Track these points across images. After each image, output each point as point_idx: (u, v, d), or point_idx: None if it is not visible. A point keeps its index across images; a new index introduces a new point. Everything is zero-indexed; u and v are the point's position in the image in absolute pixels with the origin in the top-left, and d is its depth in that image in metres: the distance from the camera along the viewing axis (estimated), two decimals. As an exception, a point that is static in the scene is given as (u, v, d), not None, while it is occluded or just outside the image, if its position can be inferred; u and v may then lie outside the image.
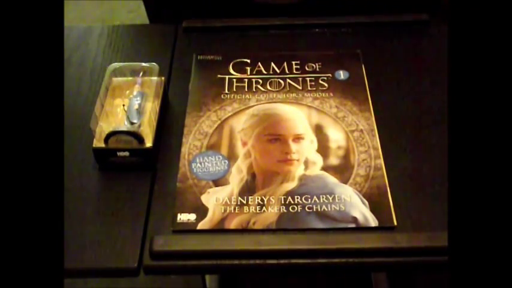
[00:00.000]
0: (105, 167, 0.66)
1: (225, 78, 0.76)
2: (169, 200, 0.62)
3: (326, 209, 0.60)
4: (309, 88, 0.74)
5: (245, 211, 0.60)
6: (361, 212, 0.60)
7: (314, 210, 0.60)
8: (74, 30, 0.87)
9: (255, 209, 0.60)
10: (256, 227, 0.59)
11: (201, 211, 0.60)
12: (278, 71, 0.77)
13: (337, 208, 0.60)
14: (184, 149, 0.67)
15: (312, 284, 1.11)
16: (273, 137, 0.68)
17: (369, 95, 0.73)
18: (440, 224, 0.58)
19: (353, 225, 0.59)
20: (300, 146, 0.67)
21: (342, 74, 0.76)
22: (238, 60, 0.79)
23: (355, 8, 0.87)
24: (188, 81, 0.76)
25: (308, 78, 0.76)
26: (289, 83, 0.75)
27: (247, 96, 0.73)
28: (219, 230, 0.59)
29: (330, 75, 0.76)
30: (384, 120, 0.70)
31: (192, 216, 0.60)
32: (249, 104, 0.72)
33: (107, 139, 0.64)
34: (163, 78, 0.72)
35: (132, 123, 0.65)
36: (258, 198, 0.61)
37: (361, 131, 0.68)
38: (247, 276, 1.08)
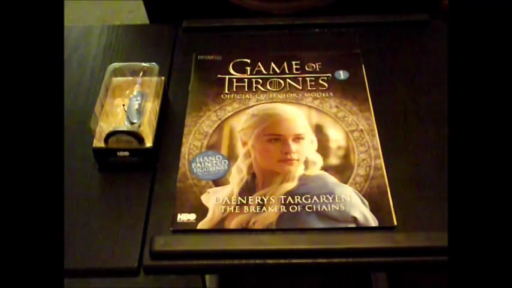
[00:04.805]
0: (105, 167, 0.66)
1: (225, 78, 0.76)
2: (169, 200, 0.62)
3: (326, 209, 0.60)
4: (309, 88, 0.74)
5: (245, 211, 0.60)
6: (361, 212, 0.60)
7: (314, 210, 0.60)
8: (74, 30, 0.87)
9: (255, 209, 0.60)
10: (256, 227, 0.59)
11: (201, 211, 0.60)
12: (278, 71, 0.77)
13: (337, 208, 0.60)
14: (184, 149, 0.67)
15: (312, 284, 1.11)
16: (273, 137, 0.68)
17: (369, 95, 0.73)
18: (440, 224, 0.58)
19: (353, 225, 0.59)
20: (300, 146, 0.67)
21: (342, 74, 0.76)
22: (238, 60, 0.79)
23: (354, 10, 0.87)
24: (188, 81, 0.76)
25: (308, 78, 0.76)
26: (289, 83, 0.75)
27: (247, 96, 0.73)
28: (219, 230, 0.59)
29: (330, 75, 0.76)
30: (384, 120, 0.70)
31: (192, 216, 0.60)
32: (249, 104, 0.72)
33: (107, 139, 0.64)
34: (163, 78, 0.72)
35: (132, 123, 0.65)
36: (258, 198, 0.61)
37: (361, 131, 0.68)
38: (247, 276, 1.08)
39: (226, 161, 0.65)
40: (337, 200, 0.61)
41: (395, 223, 0.59)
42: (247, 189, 0.62)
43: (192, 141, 0.68)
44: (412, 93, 0.74)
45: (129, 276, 0.57)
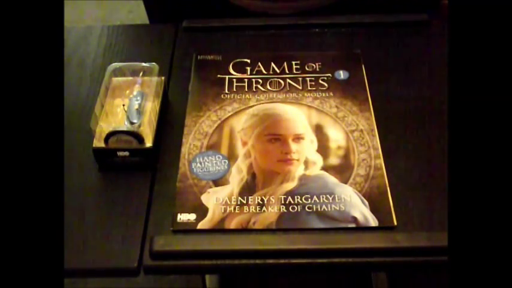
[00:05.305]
0: (105, 167, 0.66)
1: (225, 78, 0.76)
2: (169, 200, 0.62)
3: (326, 209, 0.60)
4: (309, 88, 0.74)
5: (245, 211, 0.60)
6: (361, 212, 0.60)
7: (314, 210, 0.60)
8: (74, 30, 0.87)
9: (255, 209, 0.60)
10: (256, 227, 0.59)
11: (201, 211, 0.60)
12: (278, 71, 0.77)
13: (337, 208, 0.60)
14: (184, 149, 0.67)
15: (312, 284, 1.11)
16: (273, 136, 0.68)
17: (369, 95, 0.73)
18: (440, 224, 0.58)
19: (353, 225, 0.59)
20: (300, 145, 0.67)
21: (342, 74, 0.76)
22: (238, 60, 0.79)
23: (354, 10, 0.87)
24: (188, 81, 0.76)
25: (308, 78, 0.76)
26: (289, 83, 0.75)
27: (247, 96, 0.73)
28: (219, 230, 0.59)
29: (330, 75, 0.76)
30: (384, 120, 0.70)
31: (192, 216, 0.60)
32: (249, 104, 0.72)
33: (107, 139, 0.64)
34: (163, 78, 0.72)
35: (132, 123, 0.65)
36: (258, 198, 0.61)
37: (361, 131, 0.68)
38: (247, 276, 1.08)
39: (226, 161, 0.65)
40: (337, 200, 0.61)
41: (395, 223, 0.59)
42: (247, 189, 0.62)
43: (192, 141, 0.68)
44: (412, 93, 0.74)
45: (129, 276, 0.57)
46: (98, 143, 0.64)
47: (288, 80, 0.76)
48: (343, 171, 0.64)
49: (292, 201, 0.61)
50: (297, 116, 0.71)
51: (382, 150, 0.66)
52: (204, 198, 0.62)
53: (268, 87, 0.75)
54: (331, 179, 0.63)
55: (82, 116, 0.70)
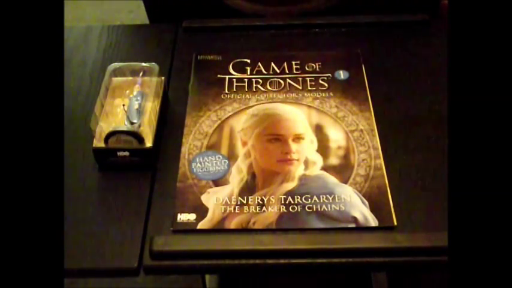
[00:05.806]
0: (105, 167, 0.66)
1: (225, 78, 0.76)
2: (169, 200, 0.62)
3: (326, 209, 0.60)
4: (309, 88, 0.74)
5: (245, 211, 0.60)
6: (361, 212, 0.60)
7: (314, 210, 0.60)
8: (74, 30, 0.87)
9: (255, 209, 0.60)
10: (256, 227, 0.59)
11: (201, 211, 0.60)
12: (278, 71, 0.77)
13: (337, 208, 0.60)
14: (184, 149, 0.67)
15: (312, 284, 1.11)
16: (273, 136, 0.68)
17: (368, 95, 0.73)
18: (440, 224, 0.58)
19: (353, 225, 0.59)
20: (300, 145, 0.67)
21: (342, 74, 0.76)
22: (238, 60, 0.79)
23: (353, 10, 0.87)
24: (188, 81, 0.76)
25: (308, 78, 0.76)
26: (289, 83, 0.75)
27: (247, 96, 0.73)
28: (219, 230, 0.59)
29: (330, 75, 0.76)
30: (384, 120, 0.70)
31: (192, 216, 0.60)
32: (249, 104, 0.72)
33: (107, 139, 0.64)
34: (163, 78, 0.72)
35: (132, 123, 0.65)
36: (258, 198, 0.61)
37: (361, 131, 0.68)
38: (247, 276, 1.08)
39: (226, 161, 0.65)
40: (337, 200, 0.61)
41: (395, 223, 0.59)
42: (247, 189, 0.62)
43: (192, 141, 0.68)
44: (412, 93, 0.74)
45: (129, 276, 0.57)
46: (98, 143, 0.64)
47: (288, 80, 0.76)
48: (343, 171, 0.64)
49: (292, 201, 0.61)
50: (297, 116, 0.71)
51: (382, 150, 0.66)
52: (204, 198, 0.62)
53: (268, 87, 0.75)
54: (331, 179, 0.63)
55: (82, 116, 0.70)
